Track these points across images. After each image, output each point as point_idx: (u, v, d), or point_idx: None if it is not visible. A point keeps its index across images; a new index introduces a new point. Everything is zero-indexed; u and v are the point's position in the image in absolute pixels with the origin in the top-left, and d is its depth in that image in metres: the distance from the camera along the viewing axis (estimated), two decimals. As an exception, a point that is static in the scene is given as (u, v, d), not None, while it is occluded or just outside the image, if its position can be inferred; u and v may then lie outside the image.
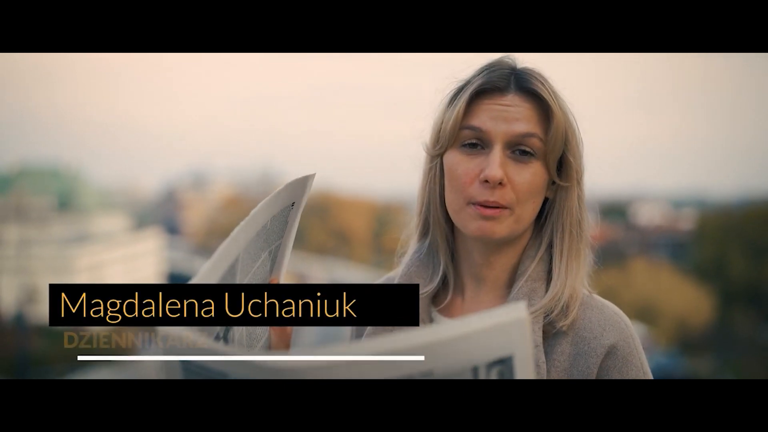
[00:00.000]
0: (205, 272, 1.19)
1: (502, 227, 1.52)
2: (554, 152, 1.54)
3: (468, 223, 1.53)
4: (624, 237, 53.64)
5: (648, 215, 62.91)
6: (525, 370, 0.98)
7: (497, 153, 1.51)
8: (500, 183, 1.50)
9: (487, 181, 1.50)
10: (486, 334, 0.95)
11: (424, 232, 1.65)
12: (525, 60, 1.60)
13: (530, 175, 1.52)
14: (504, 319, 0.96)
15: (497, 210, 1.50)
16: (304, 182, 1.46)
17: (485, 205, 1.50)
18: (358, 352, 0.94)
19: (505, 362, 0.97)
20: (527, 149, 1.52)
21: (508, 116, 1.52)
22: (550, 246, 1.58)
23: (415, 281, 1.62)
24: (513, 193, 1.51)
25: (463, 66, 1.60)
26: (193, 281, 1.17)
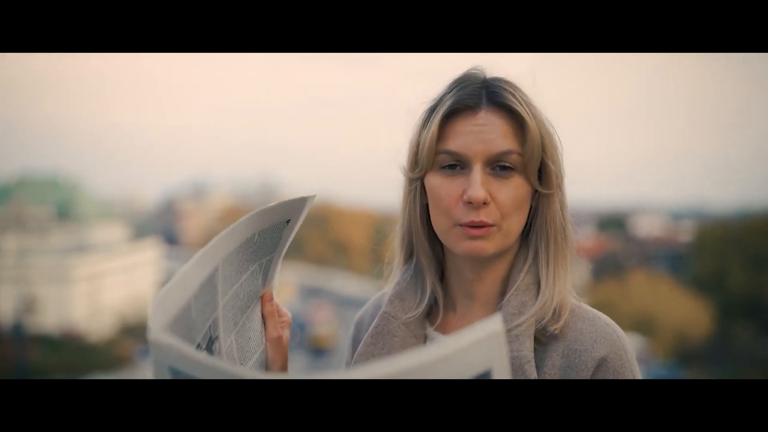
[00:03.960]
0: (178, 280, 1.16)
1: (491, 244, 1.51)
2: (532, 163, 1.51)
3: (456, 244, 1.52)
4: (623, 249, 53.60)
5: (647, 227, 62.90)
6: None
7: (477, 173, 1.49)
8: (484, 203, 1.48)
9: (470, 202, 1.48)
10: (464, 352, 0.95)
11: (409, 254, 1.64)
12: (519, 63, 1.57)
13: (513, 189, 1.50)
14: (480, 335, 0.96)
15: (484, 229, 1.49)
16: (302, 202, 1.44)
17: (472, 226, 1.49)
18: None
19: (485, 376, 0.97)
20: (507, 165, 1.50)
21: (484, 137, 1.49)
22: (537, 254, 1.57)
23: (406, 303, 1.61)
24: (498, 210, 1.50)
25: (449, 77, 1.58)
26: (168, 288, 1.13)
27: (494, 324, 0.96)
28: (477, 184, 1.48)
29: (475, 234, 1.49)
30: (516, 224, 1.52)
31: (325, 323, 39.38)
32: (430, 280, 1.61)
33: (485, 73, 1.56)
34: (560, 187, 1.56)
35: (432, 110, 1.55)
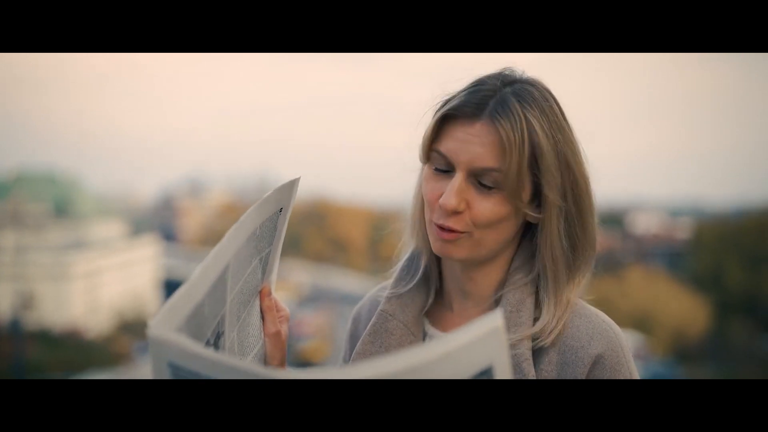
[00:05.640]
0: (197, 278, 1.17)
1: (460, 250, 1.50)
2: (511, 184, 1.46)
3: (431, 241, 1.53)
4: (621, 246, 53.59)
5: (645, 224, 62.92)
6: (504, 376, 0.99)
7: (457, 181, 1.47)
8: (455, 212, 1.47)
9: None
10: (466, 349, 0.96)
11: (413, 238, 1.65)
12: (531, 63, 1.55)
13: (492, 205, 1.48)
14: (482, 332, 0.96)
15: (453, 234, 1.49)
16: (290, 187, 1.45)
17: (442, 228, 1.49)
18: (344, 377, 0.94)
19: (486, 373, 0.98)
20: (487, 183, 1.48)
21: (472, 148, 1.47)
22: (539, 275, 1.54)
23: (403, 299, 1.61)
24: (470, 219, 1.48)
25: (460, 76, 1.56)
26: (184, 288, 1.14)
27: (495, 320, 0.97)
28: (451, 191, 1.47)
29: (444, 237, 1.50)
30: (491, 238, 1.50)
31: (312, 336, 36.54)
32: (424, 262, 1.62)
33: (513, 76, 1.52)
34: (560, 216, 1.50)
35: (443, 105, 1.52)
